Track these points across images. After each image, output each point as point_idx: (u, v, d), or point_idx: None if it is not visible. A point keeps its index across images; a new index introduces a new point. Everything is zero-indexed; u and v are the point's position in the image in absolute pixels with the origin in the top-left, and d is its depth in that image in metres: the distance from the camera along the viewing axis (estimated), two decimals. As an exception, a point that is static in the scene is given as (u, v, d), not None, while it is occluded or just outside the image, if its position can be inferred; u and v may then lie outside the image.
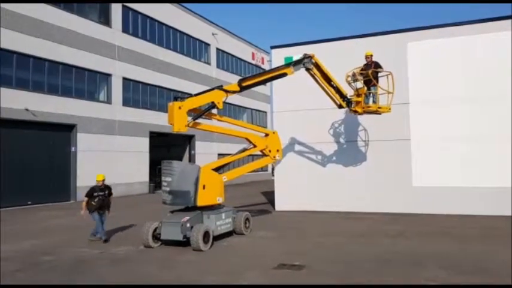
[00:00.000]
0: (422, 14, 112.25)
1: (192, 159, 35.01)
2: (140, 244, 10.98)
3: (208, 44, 38.51)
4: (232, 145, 38.54)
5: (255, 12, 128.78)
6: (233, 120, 14.68)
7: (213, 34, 38.79)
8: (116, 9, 27.99)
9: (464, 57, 15.98)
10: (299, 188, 17.90)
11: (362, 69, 14.02)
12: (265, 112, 49.20)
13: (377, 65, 13.98)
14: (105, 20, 27.32)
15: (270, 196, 23.23)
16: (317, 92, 17.45)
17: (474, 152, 15.66)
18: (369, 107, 13.89)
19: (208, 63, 38.43)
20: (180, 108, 11.46)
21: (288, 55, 17.29)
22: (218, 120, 13.44)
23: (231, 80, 35.22)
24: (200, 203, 11.14)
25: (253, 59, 46.94)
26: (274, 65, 16.93)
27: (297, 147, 18.19)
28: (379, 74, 14.07)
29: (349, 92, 14.11)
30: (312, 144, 17.93)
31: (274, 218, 16.35)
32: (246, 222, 12.56)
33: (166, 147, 34.94)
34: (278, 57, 18.24)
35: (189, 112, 11.71)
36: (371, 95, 13.95)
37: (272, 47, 19.32)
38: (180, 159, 34.31)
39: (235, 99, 34.57)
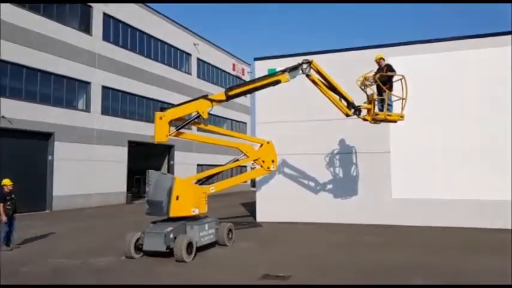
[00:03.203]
0: (414, 26, 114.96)
1: (170, 169, 34.70)
2: (121, 255, 10.79)
3: (190, 54, 38.48)
4: (212, 155, 38.52)
5: (235, 22, 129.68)
6: (225, 131, 14.56)
7: (194, 44, 38.78)
8: (97, 17, 27.70)
9: (445, 72, 16.45)
10: (280, 199, 17.91)
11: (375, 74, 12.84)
12: (245, 123, 49.32)
13: (389, 69, 12.88)
14: (86, 28, 26.99)
15: (250, 207, 23.19)
16: (300, 103, 17.70)
17: (453, 164, 16.05)
18: (377, 114, 12.72)
19: (189, 73, 38.36)
20: (160, 118, 11.42)
21: (271, 67, 17.39)
22: (203, 129, 13.38)
23: (212, 90, 35.26)
24: (173, 213, 10.94)
25: (233, 69, 47.11)
26: (257, 76, 16.96)
27: (279, 159, 18.22)
28: (394, 78, 12.90)
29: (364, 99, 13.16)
30: (294, 156, 18.00)
31: (256, 229, 16.30)
32: (229, 233, 12.48)
33: (145, 157, 34.53)
34: (261, 69, 18.31)
35: (174, 122, 11.66)
36: (382, 101, 12.67)
37: (255, 59, 19.43)
38: (159, 169, 33.93)
39: (215, 109, 34.45)
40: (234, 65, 47.32)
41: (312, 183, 17.97)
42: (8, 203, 11.87)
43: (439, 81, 16.50)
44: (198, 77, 39.77)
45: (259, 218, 18.31)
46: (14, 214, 12.10)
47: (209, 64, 42.07)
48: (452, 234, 14.32)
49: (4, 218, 11.73)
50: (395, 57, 15.72)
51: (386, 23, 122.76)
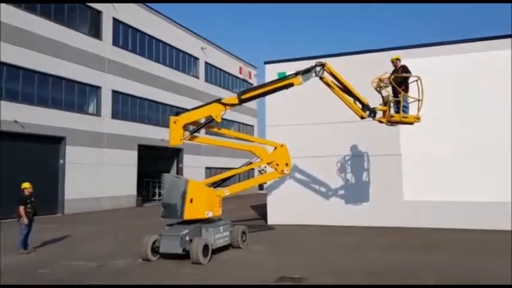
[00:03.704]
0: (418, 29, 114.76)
1: (179, 172, 34.89)
2: (138, 257, 10.93)
3: (197, 58, 38.73)
4: (221, 158, 38.68)
5: (241, 25, 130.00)
6: (238, 134, 14.59)
7: (202, 48, 39.04)
8: (107, 22, 28.03)
9: (457, 74, 16.48)
10: (291, 202, 17.98)
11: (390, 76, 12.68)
12: (252, 126, 49.47)
13: (405, 70, 12.68)
14: (96, 33, 27.31)
15: (260, 210, 23.29)
16: (311, 106, 17.79)
17: (464, 166, 16.07)
18: (392, 116, 12.54)
19: (197, 77, 38.61)
20: (175, 122, 11.58)
21: (281, 70, 17.50)
22: (215, 132, 13.50)
23: (219, 93, 35.42)
24: (187, 216, 11.04)
25: (240, 73, 47.33)
26: (267, 80, 17.05)
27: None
28: (410, 80, 12.67)
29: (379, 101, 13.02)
30: (305, 158, 17.99)
31: (268, 232, 16.37)
32: (243, 235, 12.58)
33: (154, 161, 34.79)
34: (271, 73, 18.41)
35: (189, 126, 11.81)
36: (398, 103, 12.48)
37: (266, 62, 19.55)
38: (168, 172, 34.14)
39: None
40: (240, 68, 47.54)
41: (322, 186, 18.04)
42: (29, 206, 12.07)
43: (449, 83, 16.52)
44: (206, 80, 40.01)
45: (271, 220, 18.40)
46: (33, 217, 12.30)
47: (216, 68, 42.34)
48: (463, 235, 14.34)
49: (26, 221, 11.94)
50: (410, 60, 15.81)
51: (393, 26, 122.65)
